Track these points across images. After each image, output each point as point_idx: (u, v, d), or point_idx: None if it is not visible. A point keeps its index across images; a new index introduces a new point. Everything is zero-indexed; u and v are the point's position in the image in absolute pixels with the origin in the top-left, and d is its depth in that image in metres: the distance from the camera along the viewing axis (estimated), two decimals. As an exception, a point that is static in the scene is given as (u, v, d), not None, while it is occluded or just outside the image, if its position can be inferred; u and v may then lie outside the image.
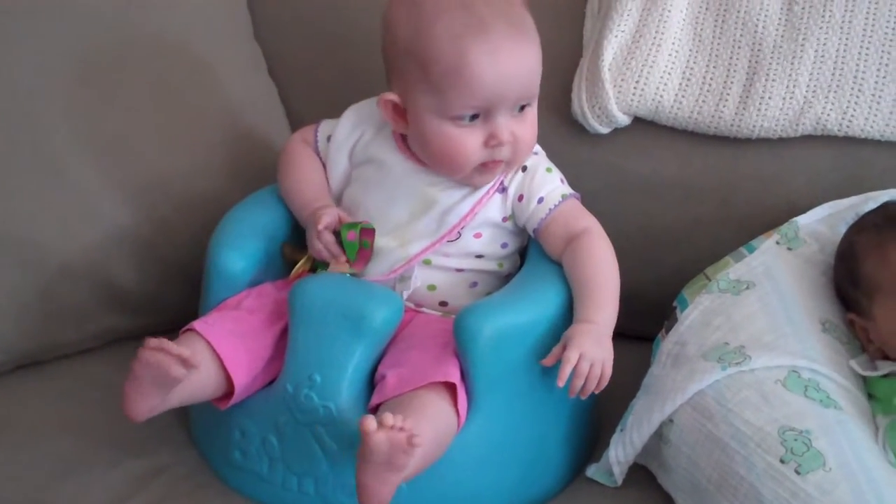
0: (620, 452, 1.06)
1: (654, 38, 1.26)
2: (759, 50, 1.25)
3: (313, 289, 1.02)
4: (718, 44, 1.27)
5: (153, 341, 0.92)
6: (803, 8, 1.25)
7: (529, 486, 1.06)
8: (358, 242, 1.06)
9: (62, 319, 1.21)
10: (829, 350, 1.06)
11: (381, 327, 1.01)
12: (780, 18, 1.26)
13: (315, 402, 0.99)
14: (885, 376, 1.05)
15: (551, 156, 1.13)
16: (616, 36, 1.26)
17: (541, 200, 1.08)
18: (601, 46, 1.26)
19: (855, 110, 1.22)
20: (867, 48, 1.23)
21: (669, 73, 1.26)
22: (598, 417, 1.15)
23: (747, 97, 1.24)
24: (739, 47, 1.26)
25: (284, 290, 1.06)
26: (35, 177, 1.19)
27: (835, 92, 1.23)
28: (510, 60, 1.01)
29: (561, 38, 1.31)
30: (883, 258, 1.08)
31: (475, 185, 1.08)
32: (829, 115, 1.23)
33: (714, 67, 1.27)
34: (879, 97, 1.22)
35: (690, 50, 1.28)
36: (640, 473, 1.07)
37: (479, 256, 1.10)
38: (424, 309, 1.10)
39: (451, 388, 0.97)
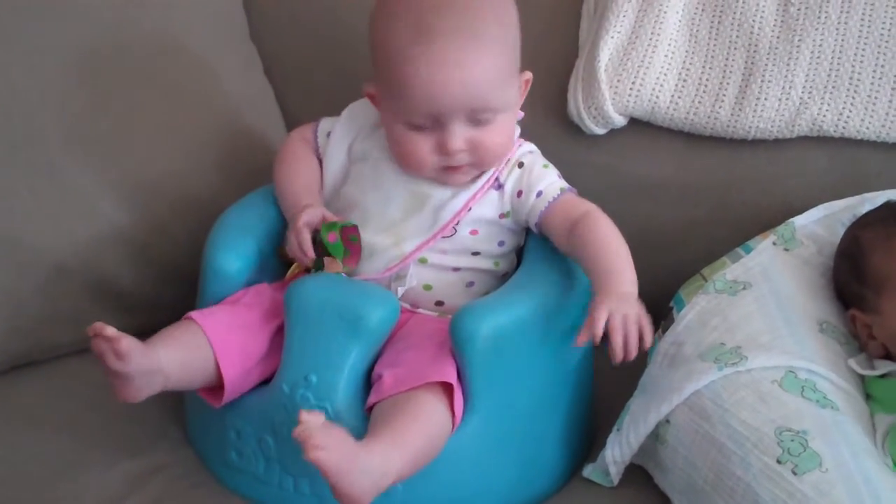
0: (617, 452, 1.05)
1: (651, 38, 1.26)
2: (755, 51, 1.25)
3: (309, 289, 1.02)
4: (714, 45, 1.27)
5: (94, 327, 0.91)
6: (799, 9, 1.25)
7: (526, 486, 1.06)
8: (341, 242, 1.06)
9: (57, 319, 1.21)
10: (827, 350, 1.06)
11: (378, 327, 1.01)
12: (775, 19, 1.26)
13: (311, 403, 0.98)
14: (882, 376, 1.05)
15: (547, 156, 1.13)
16: (612, 37, 1.26)
17: (539, 194, 1.08)
18: (597, 47, 1.26)
19: (851, 111, 1.22)
20: (863, 49, 1.23)
21: (665, 74, 1.26)
22: (594, 417, 1.15)
23: (743, 98, 1.24)
24: (735, 48, 1.26)
25: (281, 291, 1.06)
26: (30, 177, 1.19)
27: (831, 93, 1.23)
28: (454, 72, 0.99)
29: (557, 39, 1.31)
30: (891, 251, 1.08)
31: (449, 184, 1.08)
32: (825, 115, 1.23)
33: (710, 68, 1.27)
34: (875, 98, 1.22)
35: (686, 51, 1.28)
36: (637, 473, 1.07)
37: (476, 254, 1.09)
38: (421, 309, 1.10)
39: (447, 388, 0.96)
